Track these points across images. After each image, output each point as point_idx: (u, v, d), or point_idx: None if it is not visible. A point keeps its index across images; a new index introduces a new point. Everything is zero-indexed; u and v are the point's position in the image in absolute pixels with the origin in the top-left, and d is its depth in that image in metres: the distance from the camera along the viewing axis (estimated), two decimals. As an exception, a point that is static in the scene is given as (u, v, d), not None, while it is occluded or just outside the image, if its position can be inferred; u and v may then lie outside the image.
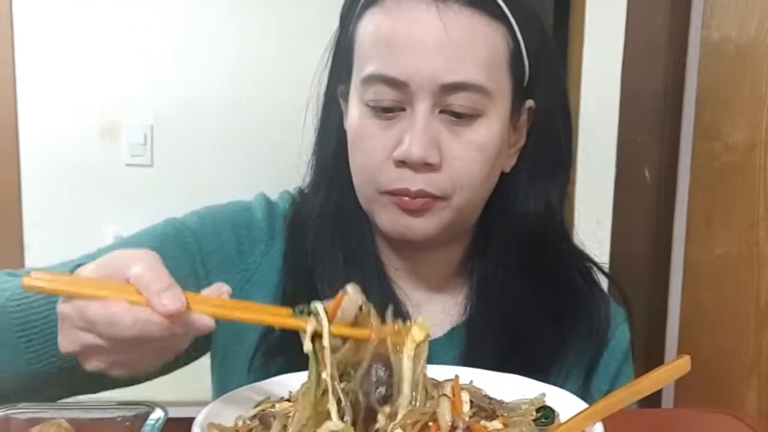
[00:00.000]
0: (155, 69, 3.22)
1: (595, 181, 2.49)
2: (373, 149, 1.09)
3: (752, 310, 2.16)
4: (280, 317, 0.90)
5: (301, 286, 1.16)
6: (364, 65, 1.10)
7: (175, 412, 0.90)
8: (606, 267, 1.29)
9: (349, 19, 1.16)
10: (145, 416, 0.88)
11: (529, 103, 1.17)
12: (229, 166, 3.14)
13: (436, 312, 1.22)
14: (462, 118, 1.08)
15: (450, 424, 0.82)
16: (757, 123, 2.12)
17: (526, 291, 1.20)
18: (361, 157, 1.11)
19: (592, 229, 2.36)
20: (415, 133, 1.06)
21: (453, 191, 1.10)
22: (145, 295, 0.82)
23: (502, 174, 1.18)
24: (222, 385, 1.08)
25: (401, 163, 1.07)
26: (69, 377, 1.00)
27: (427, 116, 1.07)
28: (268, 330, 1.18)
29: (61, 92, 3.22)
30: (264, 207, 1.24)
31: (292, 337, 0.99)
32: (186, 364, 1.25)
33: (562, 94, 1.24)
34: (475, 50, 1.08)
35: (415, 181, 1.07)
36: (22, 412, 0.90)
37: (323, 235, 1.17)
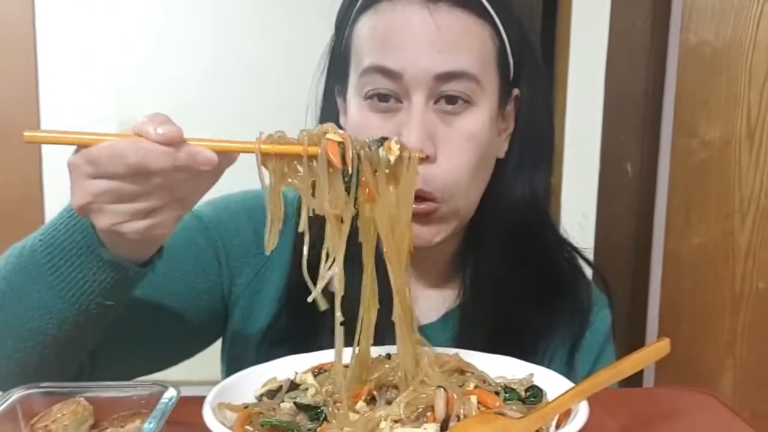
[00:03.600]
0: (168, 69, 3.22)
1: (581, 176, 2.48)
2: None
3: (728, 296, 2.17)
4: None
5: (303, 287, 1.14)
6: (362, 60, 1.11)
7: (187, 391, 0.90)
8: (590, 255, 1.30)
9: (345, 25, 1.17)
10: (159, 395, 0.88)
11: (515, 91, 1.19)
12: (241, 158, 3.14)
13: (432, 299, 1.22)
14: (456, 104, 1.09)
15: (444, 414, 0.82)
16: (732, 121, 2.12)
17: (515, 277, 1.21)
18: None
19: (578, 220, 2.37)
20: (412, 126, 1.06)
21: (449, 187, 1.09)
22: (144, 131, 0.82)
23: (497, 161, 1.19)
24: (232, 369, 1.08)
25: None
26: (102, 317, 0.97)
27: (423, 108, 1.07)
28: (275, 319, 1.18)
29: (79, 92, 3.22)
30: None
31: (297, 327, 0.99)
32: (200, 349, 1.25)
33: (542, 87, 1.25)
34: (466, 43, 1.09)
35: None
36: (44, 390, 0.90)
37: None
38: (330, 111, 1.22)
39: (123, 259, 0.92)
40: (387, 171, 0.86)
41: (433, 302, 1.22)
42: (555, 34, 2.78)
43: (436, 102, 1.09)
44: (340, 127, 1.13)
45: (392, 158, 0.86)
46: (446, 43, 1.08)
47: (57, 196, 3.25)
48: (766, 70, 2.07)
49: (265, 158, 0.88)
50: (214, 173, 0.88)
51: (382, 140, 0.87)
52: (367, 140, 0.86)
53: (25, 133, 0.83)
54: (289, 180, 0.87)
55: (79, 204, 0.85)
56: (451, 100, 1.09)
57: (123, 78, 3.22)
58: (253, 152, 0.87)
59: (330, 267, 0.84)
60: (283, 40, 3.15)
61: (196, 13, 3.21)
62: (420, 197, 1.06)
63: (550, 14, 2.69)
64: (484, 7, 1.12)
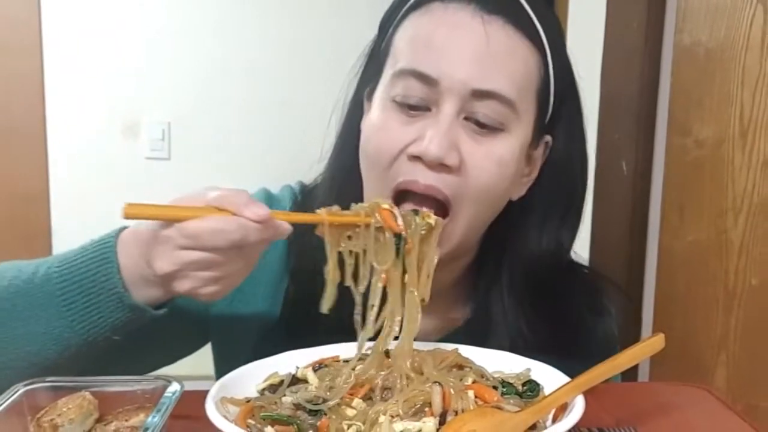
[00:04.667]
0: (171, 71, 3.22)
1: (577, 174, 2.48)
2: (388, 142, 1.03)
3: (721, 293, 2.16)
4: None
5: (304, 285, 1.13)
6: (398, 60, 1.05)
7: (190, 386, 0.90)
8: (586, 251, 1.26)
9: (390, 24, 1.10)
10: (163, 389, 0.88)
11: (547, 138, 1.12)
12: (241, 158, 3.14)
13: (430, 321, 1.16)
14: (485, 128, 1.02)
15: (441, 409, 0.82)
16: (726, 120, 2.11)
17: (525, 316, 1.15)
18: (374, 148, 1.05)
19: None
20: (437, 132, 1.00)
21: (463, 198, 1.03)
22: (235, 209, 0.86)
23: (511, 204, 1.12)
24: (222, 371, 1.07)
25: (416, 159, 1.01)
26: (106, 348, 0.99)
27: (452, 119, 1.01)
28: (267, 334, 1.16)
29: (86, 94, 3.23)
30: (263, 198, 1.20)
31: (292, 341, 0.98)
32: (190, 353, 1.24)
33: (580, 138, 1.18)
34: (511, 65, 1.02)
35: (427, 176, 1.01)
36: (49, 384, 0.90)
37: None
38: (356, 115, 1.16)
39: (143, 303, 0.95)
40: (423, 232, 0.96)
41: (431, 325, 1.17)
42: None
43: (466, 118, 1.03)
44: (359, 129, 1.11)
45: (432, 222, 0.96)
46: (492, 59, 1.01)
47: (62, 195, 3.25)
48: (759, 70, 2.06)
49: (321, 227, 0.93)
50: None
51: (416, 211, 0.97)
52: (407, 211, 0.97)
53: (125, 207, 0.87)
54: (342, 245, 0.93)
55: (166, 271, 0.89)
56: (481, 124, 1.03)
57: (127, 81, 3.22)
58: (320, 222, 0.92)
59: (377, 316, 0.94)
60: (285, 43, 3.15)
61: (200, 19, 3.21)
62: (428, 192, 1.02)
63: (546, 16, 2.69)
64: (537, 32, 1.05)
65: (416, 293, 0.94)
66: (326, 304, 0.93)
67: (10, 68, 3.19)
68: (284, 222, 0.90)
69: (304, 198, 1.21)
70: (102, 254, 0.96)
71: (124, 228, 0.99)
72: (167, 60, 3.22)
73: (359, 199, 1.07)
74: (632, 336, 2.40)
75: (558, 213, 1.15)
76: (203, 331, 1.22)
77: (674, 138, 2.21)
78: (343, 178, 1.16)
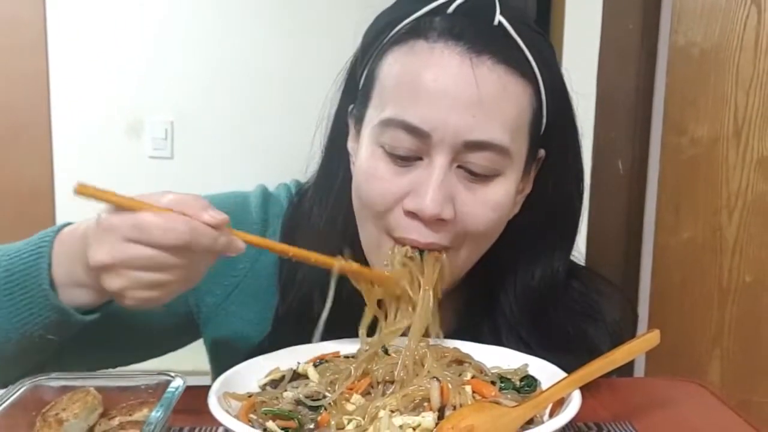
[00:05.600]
0: (174, 71, 3.22)
1: (574, 172, 2.48)
2: (383, 193, 0.98)
3: (715, 289, 2.16)
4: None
5: (293, 300, 1.11)
6: (385, 105, 0.98)
7: (193, 381, 0.90)
8: (582, 248, 1.21)
9: (372, 51, 1.03)
10: (166, 385, 0.88)
11: (541, 153, 1.07)
12: (243, 158, 3.14)
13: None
14: (479, 176, 0.97)
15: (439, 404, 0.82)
16: (720, 119, 2.11)
17: (516, 328, 1.12)
18: (369, 197, 1.00)
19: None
20: (430, 187, 0.94)
21: (461, 243, 1.00)
22: (191, 212, 0.83)
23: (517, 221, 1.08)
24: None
25: (412, 214, 0.97)
26: (45, 345, 0.96)
27: (445, 170, 0.95)
28: (262, 341, 1.12)
29: (90, 93, 3.22)
30: (261, 196, 1.19)
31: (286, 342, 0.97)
32: (176, 348, 1.22)
33: (574, 146, 1.13)
34: (504, 110, 0.96)
35: (425, 234, 0.97)
36: (54, 380, 0.90)
37: (320, 245, 0.99)
38: (341, 131, 1.11)
39: (68, 306, 0.92)
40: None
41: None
42: (549, 36, 2.78)
43: (459, 167, 0.97)
44: (347, 151, 1.09)
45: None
46: (483, 107, 0.94)
47: (66, 192, 3.25)
48: (753, 70, 2.07)
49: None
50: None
51: (421, 252, 0.99)
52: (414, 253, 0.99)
53: (77, 185, 0.84)
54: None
55: (102, 261, 0.84)
56: (475, 173, 0.97)
57: (131, 81, 3.22)
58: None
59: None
60: (288, 43, 3.15)
61: (203, 19, 3.21)
62: (429, 249, 0.99)
63: (543, 16, 2.69)
64: (528, 63, 0.99)
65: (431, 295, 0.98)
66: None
67: (15, 68, 3.19)
68: (238, 239, 0.87)
69: (300, 198, 1.18)
70: (38, 249, 0.94)
71: (67, 224, 0.97)
72: (170, 60, 3.22)
73: (346, 218, 1.06)
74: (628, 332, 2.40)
75: (555, 233, 1.12)
76: (188, 329, 1.20)
77: (669, 137, 2.22)
78: (330, 199, 1.11)
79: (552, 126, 1.05)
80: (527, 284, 1.11)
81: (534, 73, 0.99)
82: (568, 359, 0.95)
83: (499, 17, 0.97)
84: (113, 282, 0.85)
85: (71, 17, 3.19)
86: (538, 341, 1.09)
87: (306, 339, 0.98)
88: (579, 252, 1.21)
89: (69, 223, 0.97)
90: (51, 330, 0.94)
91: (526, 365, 0.95)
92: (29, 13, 3.16)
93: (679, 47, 2.16)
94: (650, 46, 2.37)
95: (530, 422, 0.82)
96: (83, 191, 0.83)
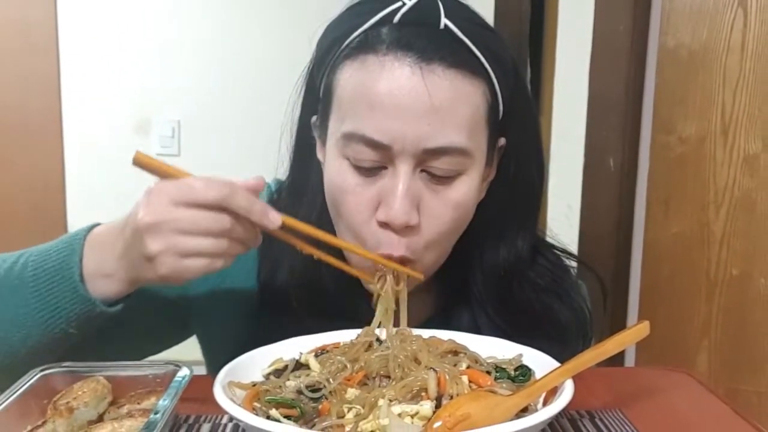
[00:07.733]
0: (182, 71, 3.22)
1: (566, 170, 2.49)
2: (356, 207, 0.99)
3: (703, 282, 2.17)
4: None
5: (274, 298, 1.10)
6: (344, 119, 0.98)
7: (199, 370, 0.90)
8: (575, 246, 1.22)
9: (326, 64, 1.02)
10: (173, 374, 0.88)
11: (501, 141, 1.06)
12: (249, 156, 3.14)
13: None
14: (441, 178, 0.97)
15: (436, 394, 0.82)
16: (708, 118, 2.11)
17: (486, 310, 1.12)
18: (343, 212, 1.00)
19: (564, 212, 2.36)
20: (397, 195, 0.95)
21: (425, 250, 1.00)
22: (229, 178, 0.86)
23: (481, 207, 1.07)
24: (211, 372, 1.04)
25: (385, 225, 0.97)
26: (63, 342, 0.96)
27: (409, 177, 0.95)
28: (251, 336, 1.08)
29: (99, 93, 3.22)
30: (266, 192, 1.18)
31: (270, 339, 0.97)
32: (158, 351, 1.21)
33: (533, 131, 1.12)
34: (458, 113, 0.95)
35: (399, 247, 0.97)
36: (65, 369, 0.90)
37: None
38: (307, 137, 1.10)
39: (95, 297, 0.92)
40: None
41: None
42: (542, 38, 2.78)
43: (422, 170, 0.97)
44: (317, 160, 1.08)
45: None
46: (438, 115, 0.94)
47: (77, 189, 3.25)
48: (740, 71, 2.07)
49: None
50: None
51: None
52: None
53: (136, 153, 0.87)
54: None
55: (148, 221, 0.85)
56: (437, 176, 0.97)
57: (139, 81, 3.22)
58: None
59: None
60: (292, 43, 3.14)
61: (209, 20, 3.21)
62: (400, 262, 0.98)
63: (537, 19, 2.69)
64: (478, 61, 0.97)
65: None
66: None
67: (28, 68, 3.19)
68: (273, 209, 0.88)
69: (278, 197, 1.17)
70: (70, 245, 0.94)
71: (97, 225, 0.98)
72: (178, 60, 3.22)
73: (320, 218, 1.05)
74: (618, 323, 2.41)
75: (518, 213, 1.11)
76: (182, 325, 1.19)
77: (659, 135, 2.22)
78: (303, 200, 1.11)
79: (509, 113, 1.04)
80: (493, 262, 1.11)
81: (486, 69, 0.98)
82: (535, 335, 0.98)
83: (444, 21, 0.96)
84: (154, 243, 0.85)
85: (82, 19, 3.19)
86: (506, 318, 1.10)
87: (291, 332, 0.99)
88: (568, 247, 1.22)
89: (98, 224, 0.98)
90: (74, 324, 0.94)
91: (521, 355, 0.95)
92: (41, 15, 3.16)
93: (668, 49, 2.16)
94: (640, 48, 2.37)
95: (525, 410, 0.82)
96: (140, 159, 0.86)
